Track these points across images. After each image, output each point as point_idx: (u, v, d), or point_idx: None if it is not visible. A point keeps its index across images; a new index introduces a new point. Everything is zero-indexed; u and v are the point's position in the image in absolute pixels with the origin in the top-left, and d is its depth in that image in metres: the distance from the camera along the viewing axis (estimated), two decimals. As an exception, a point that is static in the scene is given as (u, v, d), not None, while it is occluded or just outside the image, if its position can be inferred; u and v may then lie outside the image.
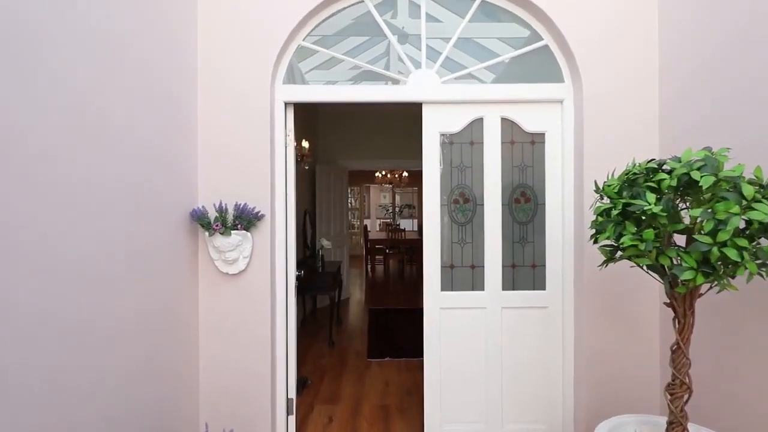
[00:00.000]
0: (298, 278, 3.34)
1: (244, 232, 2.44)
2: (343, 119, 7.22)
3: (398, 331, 5.33)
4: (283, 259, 2.67)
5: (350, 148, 7.22)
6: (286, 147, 2.74)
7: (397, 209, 13.78)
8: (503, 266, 2.73)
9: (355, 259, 12.19)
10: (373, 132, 7.23)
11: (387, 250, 9.56)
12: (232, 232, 2.39)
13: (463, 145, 2.74)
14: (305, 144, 5.04)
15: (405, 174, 10.39)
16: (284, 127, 2.71)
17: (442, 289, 2.74)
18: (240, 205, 2.44)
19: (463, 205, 2.73)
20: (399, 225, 11.77)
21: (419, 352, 4.71)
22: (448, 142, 2.75)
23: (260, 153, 2.54)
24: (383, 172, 10.40)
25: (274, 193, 2.63)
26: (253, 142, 2.53)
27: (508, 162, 2.73)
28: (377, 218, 24.30)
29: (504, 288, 2.73)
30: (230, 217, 2.43)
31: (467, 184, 2.74)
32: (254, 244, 2.51)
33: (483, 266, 2.73)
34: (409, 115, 7.00)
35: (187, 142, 2.40)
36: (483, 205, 2.72)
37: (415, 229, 14.51)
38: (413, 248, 9.38)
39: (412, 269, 10.25)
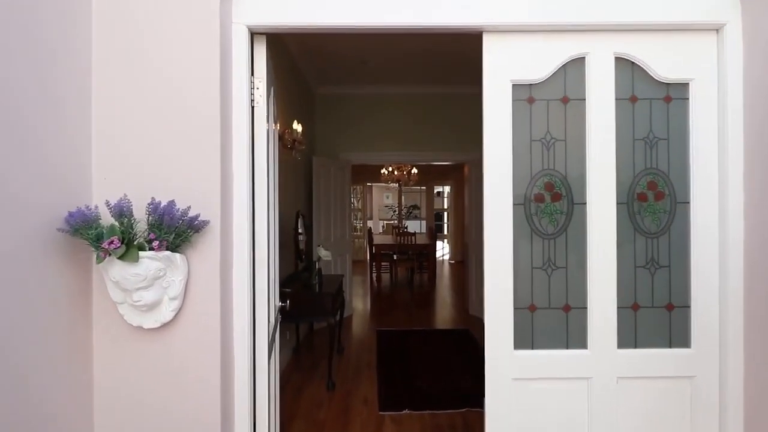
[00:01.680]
0: (282, 311, 2.26)
1: (169, 253, 1.33)
2: (344, 103, 6.12)
3: (415, 363, 4.22)
4: (247, 294, 1.56)
5: (353, 138, 6.12)
6: (253, 109, 1.64)
7: (403, 210, 12.68)
8: (619, 307, 1.61)
9: (358, 265, 11.09)
10: (380, 119, 6.13)
11: (395, 256, 8.47)
12: (145, 253, 1.29)
13: (552, 105, 1.64)
14: (297, 127, 3.95)
15: (414, 171, 9.30)
16: (249, 74, 1.60)
17: (517, 347, 1.63)
18: (157, 204, 1.33)
19: (551, 205, 1.63)
20: (407, 227, 10.66)
21: (447, 400, 3.47)
22: (525, 99, 1.64)
23: (203, 117, 1.43)
24: (390, 168, 9.31)
25: (230, 184, 1.53)
26: (191, 101, 1.43)
27: (627, 132, 1.63)
28: (380, 219, 23.22)
29: (621, 344, 1.62)
30: (140, 227, 1.32)
31: (558, 169, 1.63)
32: (191, 274, 1.41)
33: (585, 307, 1.63)
34: (426, 98, 5.93)
35: (68, 102, 1.30)
36: (585, 204, 1.62)
37: (424, 231, 13.40)
38: (423, 254, 8.30)
39: (422, 277, 9.13)
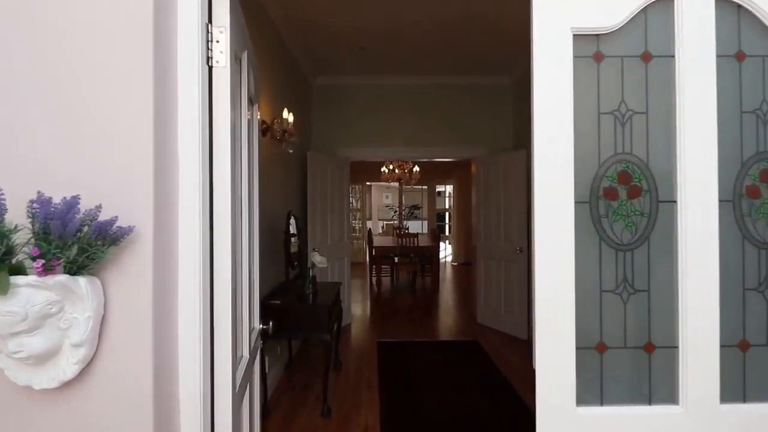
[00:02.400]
0: (264, 334, 1.83)
1: (65, 278, 0.86)
2: (343, 96, 5.66)
3: (421, 381, 3.76)
4: (198, 333, 1.08)
5: (352, 134, 5.66)
6: (212, 70, 1.18)
7: (404, 210, 12.21)
8: (722, 346, 1.15)
9: (357, 267, 10.62)
10: (381, 113, 5.67)
11: (395, 259, 8.01)
12: (22, 279, 0.82)
13: (628, 64, 1.18)
14: (288, 116, 3.48)
15: (416, 169, 8.84)
16: (203, 20, 1.13)
17: (580, 402, 1.16)
18: (44, 202, 0.86)
19: (628, 203, 1.17)
20: (408, 228, 10.20)
21: (462, 428, 2.95)
22: (591, 55, 1.18)
23: (126, 75, 0.97)
24: (390, 167, 8.84)
25: (172, 175, 1.06)
26: (106, 47, 0.97)
27: (731, 102, 1.17)
28: (380, 220, 22.75)
29: (725, 398, 1.15)
30: (21, 237, 0.86)
31: (636, 153, 1.17)
32: (108, 308, 0.94)
33: (675, 346, 1.16)
34: (430, 90, 5.46)
35: None
36: (674, 202, 1.16)
37: (425, 231, 12.95)
38: (426, 256, 7.84)
39: (424, 281, 8.67)
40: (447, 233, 14.62)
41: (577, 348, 1.15)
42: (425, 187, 11.83)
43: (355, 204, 11.72)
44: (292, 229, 3.69)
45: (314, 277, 3.62)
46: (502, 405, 3.36)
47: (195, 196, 1.08)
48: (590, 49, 1.17)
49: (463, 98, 5.67)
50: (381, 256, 7.73)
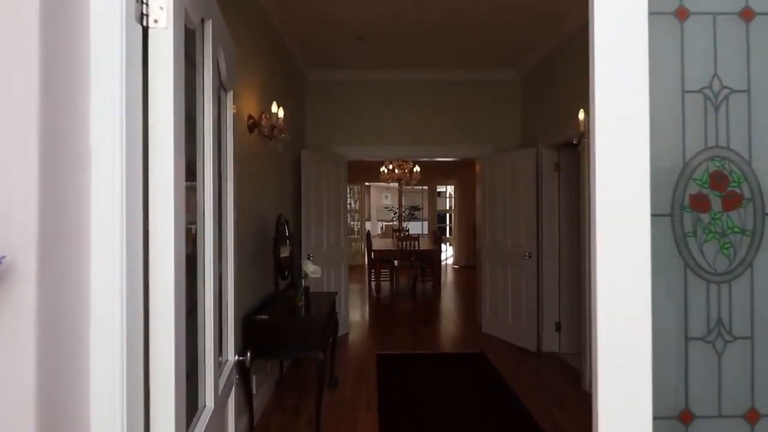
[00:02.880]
0: (241, 366, 1.53)
1: None
2: (340, 91, 5.33)
3: (425, 401, 3.44)
4: (117, 419, 0.76)
5: (350, 131, 5.34)
6: (147, 31, 0.85)
7: (404, 212, 11.89)
8: None
9: (355, 270, 10.31)
10: (381, 109, 5.35)
11: (395, 262, 7.69)
12: None
13: (722, 24, 0.85)
14: (278, 111, 3.15)
15: (416, 169, 8.53)
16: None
17: (659, 494, 0.83)
18: None
19: (722, 216, 0.85)
20: (408, 230, 9.88)
21: None
22: (673, 11, 0.85)
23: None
24: (390, 166, 8.52)
25: (75, 173, 0.73)
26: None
27: None
28: (379, 221, 22.41)
29: None
30: None
31: (735, 148, 0.85)
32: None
33: (789, 416, 0.84)
34: (432, 86, 5.12)
35: None
36: (789, 215, 0.83)
37: (425, 232, 12.63)
38: (427, 260, 7.52)
39: (425, 285, 8.35)
40: (448, 235, 14.30)
41: (655, 418, 0.82)
42: (425, 187, 11.51)
43: (353, 205, 11.40)
44: (285, 234, 3.37)
45: (307, 288, 3.29)
46: (513, 428, 3.04)
47: (114, 204, 0.75)
48: (671, 2, 0.84)
49: (467, 94, 5.35)
50: (380, 260, 7.41)
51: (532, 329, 4.67)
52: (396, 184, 10.09)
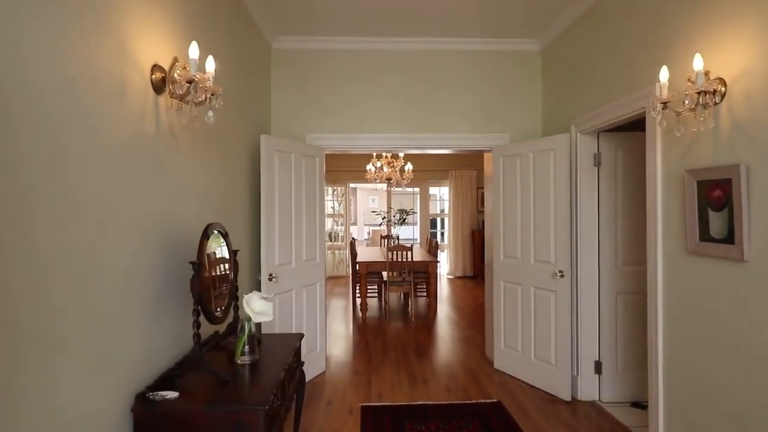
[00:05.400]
0: None
1: None
2: (316, 65, 4.20)
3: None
4: None
5: (327, 116, 4.20)
6: None
7: (394, 216, 10.75)
8: None
9: (339, 282, 9.14)
10: (367, 89, 4.22)
11: (384, 275, 6.56)
12: None
13: None
14: (205, 62, 1.99)
15: (409, 167, 7.42)
16: None
17: None
18: None
19: None
20: (398, 237, 8.74)
21: None
22: None
23: None
24: (378, 164, 7.39)
25: None
26: None
27: None
28: (366, 225, 21.24)
29: None
30: None
31: None
32: None
33: None
34: (431, 57, 3.92)
35: None
36: None
37: (416, 237, 11.53)
38: (420, 272, 6.39)
39: (418, 303, 7.22)
40: (440, 241, 13.23)
41: None
42: (417, 189, 10.41)
43: (337, 208, 10.24)
44: (219, 254, 2.21)
45: (253, 337, 2.13)
46: None
47: None
48: None
49: (475, 70, 4.26)
50: (367, 273, 6.26)
51: (564, 370, 3.57)
52: (384, 185, 8.98)
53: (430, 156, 9.61)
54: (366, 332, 5.51)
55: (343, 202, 10.20)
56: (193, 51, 1.88)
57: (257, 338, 2.31)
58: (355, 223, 21.88)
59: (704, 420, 2.25)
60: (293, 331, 3.69)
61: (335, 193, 10.22)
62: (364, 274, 6.13)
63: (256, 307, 2.02)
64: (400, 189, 10.57)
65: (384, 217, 10.53)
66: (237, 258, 2.46)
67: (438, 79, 4.24)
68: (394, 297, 7.64)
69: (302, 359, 3.76)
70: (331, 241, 10.20)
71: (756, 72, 1.90)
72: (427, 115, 4.23)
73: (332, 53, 4.19)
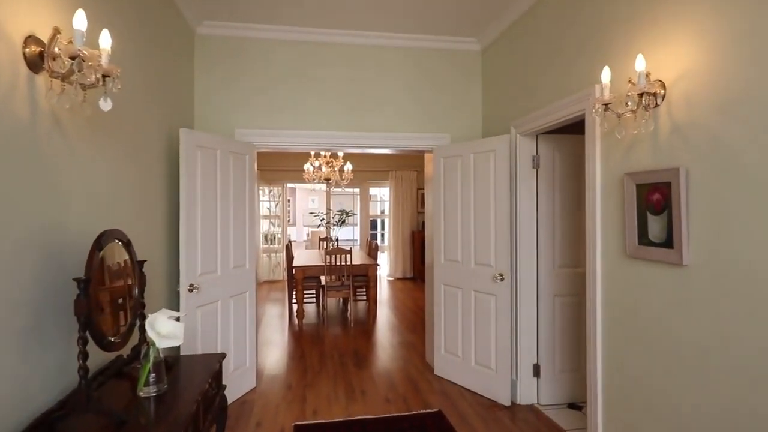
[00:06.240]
0: None
1: None
2: (247, 55, 3.86)
3: None
4: None
5: (259, 110, 3.88)
6: None
7: (333, 217, 10.46)
8: None
9: (276, 287, 8.72)
10: (304, 85, 3.95)
11: (322, 279, 6.29)
12: None
13: None
14: (98, 37, 1.65)
15: (348, 167, 7.18)
16: None
17: None
18: None
19: None
20: (338, 240, 8.48)
21: None
22: None
23: None
24: (316, 163, 7.09)
25: None
26: None
27: None
28: (305, 226, 20.73)
29: None
30: None
31: None
32: None
33: None
34: (374, 53, 3.69)
35: None
36: None
37: (356, 238, 11.32)
38: (360, 276, 6.20)
39: (357, 306, 7.02)
40: (380, 242, 13.13)
41: None
42: (357, 189, 10.21)
43: (274, 209, 9.79)
44: (121, 266, 1.87)
45: (161, 363, 1.82)
46: None
47: None
48: None
49: (416, 68, 4.13)
50: (304, 278, 5.96)
51: (504, 375, 3.51)
52: (323, 186, 8.68)
53: (371, 156, 9.45)
54: (302, 341, 5.22)
55: (280, 203, 9.78)
56: (79, 21, 1.54)
57: (167, 363, 1.99)
58: (294, 225, 21.30)
59: (643, 423, 2.23)
60: (218, 347, 3.34)
61: (271, 193, 9.77)
62: (300, 279, 5.83)
63: (163, 330, 1.71)
64: (339, 189, 10.32)
65: (323, 219, 10.23)
66: (144, 270, 2.11)
67: (378, 76, 4.06)
68: (332, 302, 7.38)
69: (230, 376, 3.43)
70: (267, 243, 9.74)
71: (695, 75, 1.88)
72: (366, 113, 4.04)
73: (265, 43, 3.88)
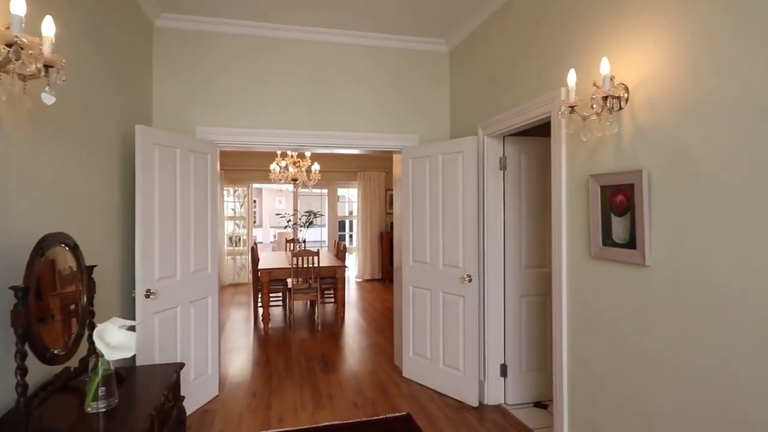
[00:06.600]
0: None
1: None
2: (210, 49, 3.72)
3: None
4: None
5: (222, 108, 3.75)
6: None
7: (300, 218, 10.29)
8: None
9: (241, 290, 8.50)
10: (269, 81, 3.84)
11: (289, 282, 6.16)
12: None
13: None
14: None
15: (316, 167, 7.07)
16: None
17: None
18: None
19: None
20: (305, 241, 8.34)
21: None
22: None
23: None
24: (283, 163, 6.94)
25: None
26: None
27: None
28: (272, 227, 20.37)
29: None
30: None
31: None
32: None
33: None
34: (340, 53, 3.64)
35: None
36: None
37: (324, 239, 11.18)
38: (328, 278, 6.11)
39: (325, 309, 6.92)
40: (349, 243, 13.05)
41: None
42: (325, 190, 10.09)
43: (239, 210, 9.54)
44: (67, 272, 1.73)
45: (111, 376, 1.69)
46: None
47: None
48: None
49: (384, 67, 4.09)
50: (270, 281, 5.81)
51: (472, 376, 3.52)
52: (290, 186, 8.53)
53: (339, 156, 9.36)
54: (268, 346, 5.08)
55: (246, 204, 9.54)
56: (17, 5, 1.41)
57: (119, 376, 1.87)
58: (260, 226, 20.89)
59: (608, 422, 2.26)
60: (178, 356, 3.19)
61: (236, 194, 9.52)
62: (266, 282, 5.68)
63: (113, 340, 1.59)
64: (307, 190, 10.17)
65: (289, 220, 10.05)
66: (95, 276, 1.98)
67: (345, 76, 3.99)
68: (299, 305, 7.25)
69: (191, 385, 3.28)
70: (232, 245, 9.48)
71: (657, 78, 1.92)
72: (333, 112, 3.96)
73: (228, 38, 3.74)
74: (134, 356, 2.79)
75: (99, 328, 1.62)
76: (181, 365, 2.18)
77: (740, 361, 1.61)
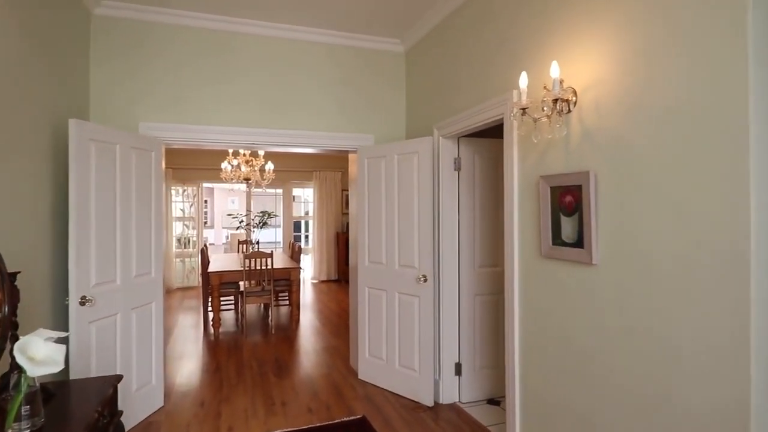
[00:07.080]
0: None
1: None
2: (156, 40, 3.51)
3: None
4: None
5: (169, 103, 3.55)
6: None
7: (254, 219, 10.01)
8: None
9: (190, 294, 8.15)
10: (220, 76, 3.68)
11: (241, 285, 5.97)
12: None
13: None
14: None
15: (270, 167, 6.88)
16: None
17: None
18: None
19: None
20: (258, 242, 8.11)
21: None
22: None
23: None
24: (235, 162, 6.71)
25: None
26: None
27: None
28: (224, 228, 19.73)
29: None
30: None
31: None
32: None
33: None
34: (294, 50, 3.53)
35: None
36: None
37: (279, 240, 10.94)
38: (282, 280, 5.96)
39: (279, 311, 6.76)
40: (304, 244, 12.85)
41: None
42: (280, 190, 9.87)
43: (188, 211, 9.16)
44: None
45: (36, 393, 1.54)
46: None
47: None
48: None
49: (339, 66, 4.03)
50: (221, 284, 5.60)
51: (427, 376, 3.52)
52: (243, 186, 8.27)
53: (294, 156, 9.19)
54: (218, 352, 4.89)
55: (195, 204, 9.17)
56: None
57: (47, 392, 1.71)
58: (212, 227, 20.19)
59: (558, 417, 2.31)
60: (118, 367, 2.99)
61: (185, 193, 9.13)
62: (216, 286, 5.47)
63: (38, 354, 1.45)
64: (260, 190, 9.91)
65: (242, 221, 9.76)
66: (19, 283, 1.80)
67: (298, 72, 3.90)
68: (252, 308, 7.04)
69: (132, 396, 3.09)
70: (181, 247, 9.09)
71: (604, 82, 1.98)
72: (286, 110, 3.86)
73: (174, 29, 3.56)
74: (67, 369, 2.58)
75: (21, 341, 1.47)
76: (119, 377, 2.03)
77: (683, 357, 1.68)
